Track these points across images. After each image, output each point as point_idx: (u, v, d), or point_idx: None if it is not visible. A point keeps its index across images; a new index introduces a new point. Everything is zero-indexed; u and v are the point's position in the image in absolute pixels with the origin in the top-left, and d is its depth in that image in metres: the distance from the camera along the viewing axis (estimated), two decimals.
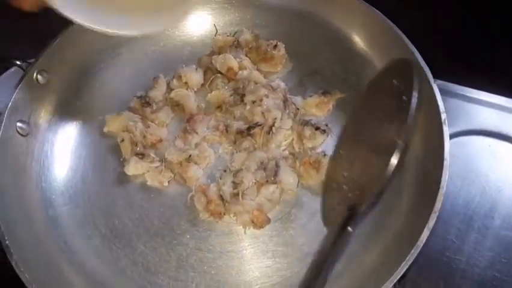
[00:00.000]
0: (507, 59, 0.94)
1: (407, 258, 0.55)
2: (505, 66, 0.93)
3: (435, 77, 0.71)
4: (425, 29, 0.96)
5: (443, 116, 0.65)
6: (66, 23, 0.76)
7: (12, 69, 0.86)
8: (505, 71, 0.92)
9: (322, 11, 0.83)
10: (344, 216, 0.58)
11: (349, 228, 0.57)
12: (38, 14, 0.61)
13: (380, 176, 0.54)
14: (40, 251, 0.65)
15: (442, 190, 0.59)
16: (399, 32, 0.74)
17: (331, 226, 0.61)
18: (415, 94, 0.54)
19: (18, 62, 0.74)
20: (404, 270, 0.55)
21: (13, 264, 0.59)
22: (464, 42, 0.97)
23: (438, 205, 0.58)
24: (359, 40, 0.82)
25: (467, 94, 0.84)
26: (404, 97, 0.55)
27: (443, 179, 0.59)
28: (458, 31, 0.98)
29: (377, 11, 0.77)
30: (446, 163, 0.60)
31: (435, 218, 0.57)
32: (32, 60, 0.74)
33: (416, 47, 0.73)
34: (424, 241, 0.56)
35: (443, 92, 0.73)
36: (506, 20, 0.99)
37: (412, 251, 0.55)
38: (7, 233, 0.61)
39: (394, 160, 0.52)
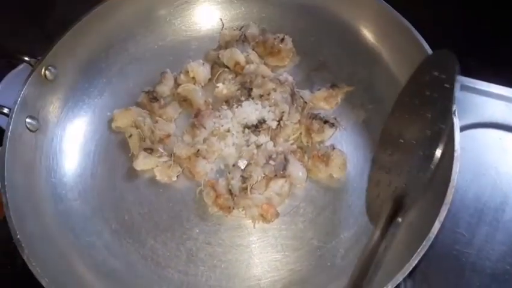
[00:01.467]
0: None
1: (419, 250, 0.55)
2: None
3: None
4: (434, 22, 0.95)
5: (454, 107, 0.64)
6: (73, 19, 0.78)
7: (21, 66, 0.86)
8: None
9: (329, 4, 0.83)
10: (390, 207, 0.58)
11: (398, 219, 0.58)
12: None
13: (427, 166, 0.55)
14: (51, 246, 0.66)
15: (453, 182, 0.58)
16: (409, 25, 0.73)
17: (375, 217, 0.61)
18: (458, 79, 0.56)
19: (26, 58, 0.74)
20: (416, 262, 0.55)
21: (25, 258, 0.59)
22: (474, 34, 0.96)
23: (449, 197, 0.57)
24: (366, 33, 0.81)
25: (477, 86, 0.83)
26: (446, 85, 0.57)
27: (454, 171, 0.59)
28: (468, 23, 0.97)
29: (385, 3, 0.76)
30: (457, 155, 0.60)
31: (447, 211, 0.57)
32: (40, 57, 0.74)
33: (425, 40, 0.72)
34: (435, 233, 0.55)
35: None
36: None
37: (424, 243, 0.55)
38: (18, 228, 0.61)
39: (440, 147, 0.54)
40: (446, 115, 0.56)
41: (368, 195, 0.69)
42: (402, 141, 0.64)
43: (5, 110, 0.70)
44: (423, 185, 0.56)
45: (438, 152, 0.54)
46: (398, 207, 0.58)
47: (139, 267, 0.67)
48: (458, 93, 0.55)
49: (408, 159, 0.61)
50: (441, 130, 0.55)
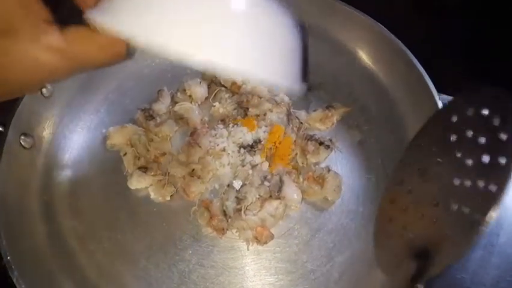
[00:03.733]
0: None
1: None
2: (510, 78, 0.93)
3: (439, 91, 0.71)
4: (429, 43, 0.96)
5: None
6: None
7: None
8: (509, 84, 0.92)
9: (325, 24, 0.83)
10: (410, 268, 0.47)
11: (418, 286, 0.46)
12: None
13: (470, 232, 0.42)
14: (42, 266, 0.65)
15: None
16: (404, 47, 0.74)
17: (390, 271, 0.52)
18: None
19: None
20: None
21: (14, 280, 0.58)
22: (470, 56, 0.97)
23: None
24: (363, 54, 0.82)
25: None
26: (503, 135, 0.44)
27: None
28: (463, 45, 0.98)
29: (381, 25, 0.77)
30: None
31: None
32: None
33: (419, 60, 0.73)
34: None
35: None
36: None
37: None
38: (9, 248, 0.60)
39: (493, 215, 0.41)
40: (502, 178, 0.42)
41: (376, 232, 0.58)
42: (425, 178, 0.52)
43: None
44: (463, 251, 0.44)
45: (492, 215, 0.41)
46: (422, 267, 0.46)
47: None
48: None
49: (435, 207, 0.49)
50: (493, 195, 0.42)
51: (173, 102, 0.81)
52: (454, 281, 0.71)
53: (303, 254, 0.67)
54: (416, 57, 0.73)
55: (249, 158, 0.74)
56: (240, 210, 0.68)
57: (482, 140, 0.46)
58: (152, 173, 0.73)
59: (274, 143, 0.75)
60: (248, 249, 0.68)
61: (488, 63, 0.96)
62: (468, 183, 0.46)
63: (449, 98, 0.82)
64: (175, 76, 0.84)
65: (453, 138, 0.50)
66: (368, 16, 0.77)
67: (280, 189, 0.70)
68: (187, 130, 0.79)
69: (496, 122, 0.45)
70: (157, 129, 0.78)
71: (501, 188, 0.41)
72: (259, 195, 0.70)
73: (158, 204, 0.73)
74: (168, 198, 0.72)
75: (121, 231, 0.71)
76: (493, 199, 0.41)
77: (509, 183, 0.41)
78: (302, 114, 0.79)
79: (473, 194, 0.44)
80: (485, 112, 0.46)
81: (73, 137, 0.78)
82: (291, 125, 0.76)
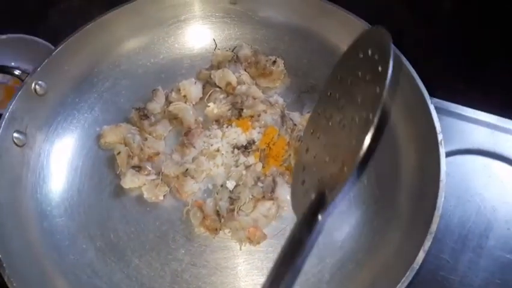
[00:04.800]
0: (503, 77, 0.96)
1: (402, 280, 0.55)
2: (501, 84, 0.94)
3: (431, 95, 0.71)
4: (422, 47, 0.97)
5: (440, 136, 0.65)
6: (66, 33, 0.78)
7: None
8: (501, 89, 0.93)
9: (321, 28, 0.84)
10: (310, 203, 0.52)
11: (318, 216, 0.51)
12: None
13: (351, 157, 0.48)
14: (34, 264, 0.65)
15: (438, 212, 0.59)
16: (397, 51, 0.75)
17: (298, 208, 0.56)
18: (390, 62, 0.47)
19: (16, 73, 0.74)
20: None
21: (5, 278, 0.58)
22: (460, 60, 0.98)
23: (434, 226, 0.58)
24: None
25: (463, 113, 0.84)
26: (380, 67, 0.49)
27: (439, 200, 0.60)
28: (455, 50, 0.99)
29: None
30: (442, 184, 0.61)
31: (431, 240, 0.57)
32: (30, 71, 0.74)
33: (412, 65, 0.73)
34: (420, 263, 0.56)
35: (439, 110, 0.74)
36: (504, 39, 1.00)
37: (407, 273, 0.55)
38: (0, 246, 0.60)
39: (366, 139, 0.46)
40: (375, 103, 0.47)
41: (293, 182, 0.63)
42: (330, 124, 0.57)
43: None
44: (346, 179, 0.49)
45: (365, 143, 0.46)
46: (320, 201, 0.51)
47: (123, 287, 0.66)
48: (390, 76, 0.47)
49: (335, 147, 0.54)
50: (369, 119, 0.47)
51: (168, 102, 0.81)
52: (443, 283, 0.72)
53: None
54: (409, 61, 0.74)
55: (242, 158, 0.74)
56: (233, 210, 0.69)
57: (368, 75, 0.51)
58: (146, 172, 0.73)
59: (268, 144, 0.75)
60: (241, 249, 0.68)
61: (480, 67, 0.98)
62: (359, 118, 0.50)
63: (439, 101, 0.84)
64: (170, 76, 0.85)
65: (350, 79, 0.56)
66: (362, 20, 0.78)
67: (273, 190, 0.71)
68: (181, 130, 0.79)
69: (375, 57, 0.50)
70: (151, 129, 0.78)
71: (374, 114, 0.46)
72: (252, 195, 0.70)
73: (151, 203, 0.73)
74: (161, 197, 0.73)
75: (114, 230, 0.71)
76: (367, 125, 0.46)
77: (379, 108, 0.46)
78: (296, 115, 0.79)
79: (359, 125, 0.50)
80: (369, 52, 0.52)
81: (66, 135, 0.78)
82: (285, 127, 0.77)
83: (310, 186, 0.55)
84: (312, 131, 0.62)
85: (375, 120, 0.46)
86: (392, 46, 0.48)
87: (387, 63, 0.47)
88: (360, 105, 0.51)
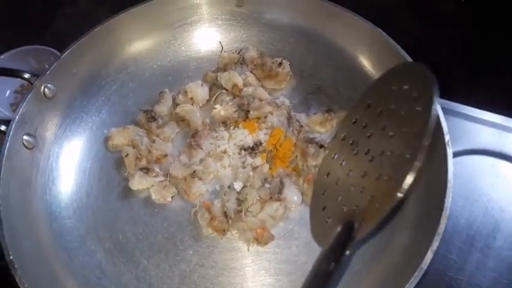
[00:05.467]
0: (509, 77, 0.96)
1: (411, 280, 0.55)
2: (507, 84, 0.94)
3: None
4: (427, 48, 0.97)
5: (447, 137, 0.65)
6: (75, 37, 0.79)
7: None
8: (507, 89, 0.93)
9: (327, 29, 0.84)
10: (338, 234, 0.50)
11: (347, 252, 0.48)
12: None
13: (386, 195, 0.45)
14: (43, 266, 0.65)
15: (446, 212, 0.59)
16: (403, 52, 0.75)
17: (323, 242, 0.52)
18: (434, 106, 0.44)
19: (26, 76, 0.75)
20: None
21: (17, 279, 0.58)
22: (466, 60, 0.98)
23: (442, 227, 0.58)
24: (363, 59, 0.83)
25: (470, 113, 0.84)
26: (419, 107, 0.46)
27: (446, 201, 0.60)
28: (460, 50, 0.99)
29: (381, 30, 0.77)
30: (450, 185, 0.61)
31: (439, 240, 0.57)
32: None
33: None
34: (428, 263, 0.56)
35: (446, 111, 0.73)
36: (509, 38, 1.00)
37: (416, 273, 0.55)
38: (11, 247, 0.61)
39: (409, 180, 0.43)
40: (415, 146, 0.44)
41: (312, 204, 0.59)
42: (355, 152, 0.54)
43: (2, 128, 0.71)
44: (379, 217, 0.46)
45: (404, 186, 0.44)
46: (347, 233, 0.49)
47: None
48: (436, 123, 0.45)
49: (362, 178, 0.51)
50: (408, 160, 0.45)
51: (175, 104, 0.82)
52: (451, 283, 0.71)
53: (303, 255, 0.68)
54: (414, 61, 0.74)
55: (249, 160, 0.74)
56: (240, 211, 0.69)
57: (403, 111, 0.49)
58: (154, 174, 0.74)
59: (275, 145, 0.75)
60: (248, 250, 0.69)
61: (486, 67, 0.97)
62: (391, 153, 0.49)
63: (446, 101, 0.84)
64: (177, 78, 0.85)
65: (381, 109, 0.53)
66: (368, 21, 0.78)
67: (280, 191, 0.71)
68: (188, 132, 0.79)
69: (414, 94, 0.48)
70: (159, 131, 0.79)
71: (414, 156, 0.44)
72: (259, 196, 0.70)
73: (159, 205, 0.73)
74: (169, 199, 0.73)
75: (122, 231, 0.71)
76: (407, 165, 0.44)
77: (422, 149, 0.43)
78: (302, 117, 0.79)
79: (394, 163, 0.47)
80: (406, 87, 0.49)
81: (74, 137, 0.79)
82: (291, 128, 0.77)
83: (333, 214, 0.53)
84: (334, 155, 0.58)
85: (418, 164, 0.44)
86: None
87: (430, 109, 0.44)
88: (394, 141, 0.49)
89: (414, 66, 0.51)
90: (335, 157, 0.58)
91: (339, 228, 0.50)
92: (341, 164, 0.56)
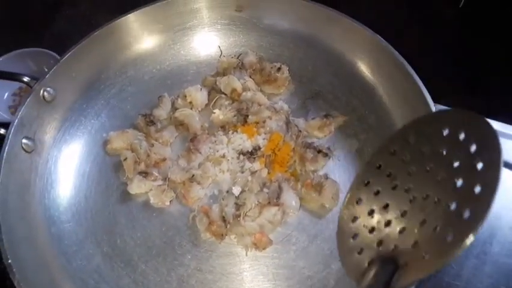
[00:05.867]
0: (506, 83, 0.96)
1: (408, 286, 0.55)
2: (504, 90, 0.95)
3: (435, 101, 0.72)
4: (425, 54, 0.98)
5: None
6: (74, 39, 0.79)
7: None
8: (504, 95, 0.94)
9: (326, 35, 0.85)
10: (375, 274, 0.46)
11: None
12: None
13: (440, 254, 0.42)
14: (42, 269, 0.65)
15: None
16: (401, 59, 0.75)
17: (355, 276, 0.49)
18: (501, 174, 0.41)
19: (25, 79, 0.75)
20: None
21: (15, 283, 0.59)
22: (465, 67, 0.99)
23: None
24: (361, 65, 0.83)
25: None
26: (480, 166, 0.43)
27: None
28: (459, 57, 1.00)
29: (380, 37, 0.78)
30: None
31: None
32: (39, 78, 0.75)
33: (416, 71, 0.74)
34: None
35: None
36: (506, 44, 1.01)
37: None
38: (10, 251, 0.61)
39: (469, 242, 0.40)
40: (479, 209, 0.41)
41: (340, 232, 0.54)
42: (394, 185, 0.50)
43: (1, 131, 0.71)
44: (430, 271, 0.42)
45: (465, 245, 0.40)
46: (387, 273, 0.45)
47: None
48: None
49: (403, 217, 0.48)
50: (470, 220, 0.41)
51: (174, 108, 0.82)
52: None
53: (301, 260, 0.68)
54: (414, 68, 0.74)
55: (248, 164, 0.75)
56: (238, 216, 0.69)
57: (456, 162, 0.45)
58: (152, 178, 0.74)
59: (273, 150, 0.76)
60: (246, 255, 0.69)
61: (483, 73, 0.98)
62: (438, 200, 0.45)
63: (445, 108, 0.84)
64: (176, 82, 0.86)
65: (426, 150, 0.49)
66: (368, 28, 0.79)
67: (278, 196, 0.71)
68: (187, 136, 0.80)
69: (472, 148, 0.44)
70: (158, 135, 0.79)
71: (477, 219, 0.40)
72: (258, 201, 0.71)
73: (157, 209, 0.73)
74: (168, 203, 0.73)
75: (121, 235, 0.71)
76: (468, 226, 0.40)
77: (487, 214, 0.40)
78: (301, 122, 0.80)
79: (445, 214, 0.44)
80: (462, 136, 0.45)
81: (73, 141, 0.79)
82: (290, 133, 0.78)
83: (366, 247, 0.50)
84: (366, 182, 0.54)
85: (480, 226, 0.40)
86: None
87: (497, 172, 0.41)
88: (443, 189, 0.45)
89: (475, 118, 0.45)
90: (368, 184, 0.53)
91: (375, 268, 0.47)
92: (376, 193, 0.52)
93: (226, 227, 0.69)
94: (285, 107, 0.81)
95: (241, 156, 0.76)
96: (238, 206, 0.70)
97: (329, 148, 0.76)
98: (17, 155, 0.71)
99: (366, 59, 0.83)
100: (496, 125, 0.83)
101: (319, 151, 0.75)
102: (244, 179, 0.74)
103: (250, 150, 0.76)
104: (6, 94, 0.95)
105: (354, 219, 0.53)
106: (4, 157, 0.68)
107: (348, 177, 0.75)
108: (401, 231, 0.47)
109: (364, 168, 0.56)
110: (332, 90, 0.84)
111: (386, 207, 0.51)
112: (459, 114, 0.48)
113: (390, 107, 0.80)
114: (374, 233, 0.50)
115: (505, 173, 0.79)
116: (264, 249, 0.69)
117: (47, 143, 0.76)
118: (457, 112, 0.49)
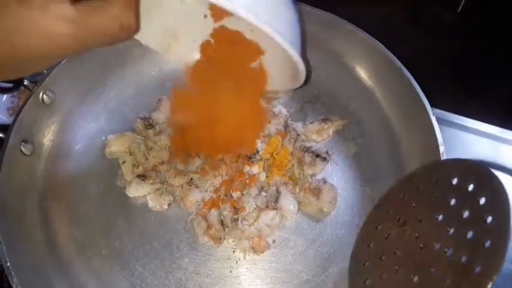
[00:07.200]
0: (504, 88, 0.97)
1: None
2: (502, 95, 0.95)
3: (432, 106, 0.72)
4: (422, 58, 0.99)
5: (442, 148, 0.66)
6: None
7: None
8: (502, 100, 0.95)
9: (325, 39, 0.85)
10: None
11: None
12: None
13: None
14: (40, 272, 0.65)
15: None
16: (399, 64, 0.76)
17: None
18: (509, 228, 0.40)
19: (24, 82, 0.75)
20: None
21: (13, 286, 0.58)
22: (461, 71, 0.99)
23: None
24: (360, 69, 0.84)
25: (465, 124, 0.85)
26: (489, 220, 0.42)
27: None
28: (458, 62, 1.00)
29: (378, 42, 0.78)
30: None
31: None
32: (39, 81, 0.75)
33: (413, 75, 0.74)
34: None
35: (441, 121, 0.74)
36: (504, 49, 1.02)
37: None
38: (8, 254, 0.61)
39: None
40: (491, 264, 0.41)
41: (351, 274, 0.56)
42: (404, 230, 0.51)
43: (0, 134, 0.71)
44: None
45: None
46: None
47: None
48: None
49: (413, 264, 0.48)
50: (481, 274, 0.41)
51: None
52: None
53: (299, 264, 0.68)
54: (411, 73, 0.75)
55: (246, 168, 0.75)
56: (237, 219, 0.69)
57: (466, 213, 0.46)
58: (151, 182, 0.74)
59: (272, 153, 0.76)
60: (245, 259, 0.69)
61: (481, 78, 0.99)
62: (448, 250, 0.46)
63: (441, 112, 0.85)
64: (175, 85, 0.86)
65: (436, 198, 0.50)
66: (366, 32, 0.79)
67: (277, 200, 0.71)
68: None
69: (482, 200, 0.44)
70: (156, 138, 0.79)
71: (488, 274, 0.41)
72: (256, 205, 0.71)
73: (155, 212, 0.73)
74: (166, 206, 0.73)
75: (119, 238, 0.71)
76: (477, 281, 0.41)
77: (499, 269, 0.40)
78: (299, 125, 0.80)
79: (455, 266, 0.44)
80: (471, 187, 0.46)
81: (72, 144, 0.79)
82: (288, 137, 0.78)
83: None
84: (377, 226, 0.56)
85: (492, 282, 0.40)
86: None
87: (507, 230, 0.41)
88: (454, 240, 0.45)
89: (484, 170, 0.46)
90: (379, 228, 0.55)
91: None
92: (386, 237, 0.53)
93: (225, 231, 0.69)
94: (284, 110, 0.81)
95: (240, 160, 0.76)
96: (236, 210, 0.70)
97: (327, 152, 0.77)
98: (15, 158, 0.71)
99: (365, 64, 0.83)
100: (493, 129, 0.84)
101: (317, 155, 0.75)
102: (243, 182, 0.74)
103: (248, 154, 0.76)
104: (4, 96, 0.95)
105: (365, 262, 0.55)
106: (2, 160, 0.68)
107: (345, 181, 0.76)
108: (412, 279, 0.47)
109: (374, 211, 0.57)
110: (330, 95, 0.84)
111: (396, 251, 0.51)
112: (468, 164, 0.49)
113: (388, 111, 0.80)
114: (383, 276, 0.51)
115: (503, 178, 0.80)
116: (262, 253, 0.69)
117: (46, 146, 0.76)
118: (466, 162, 0.49)
